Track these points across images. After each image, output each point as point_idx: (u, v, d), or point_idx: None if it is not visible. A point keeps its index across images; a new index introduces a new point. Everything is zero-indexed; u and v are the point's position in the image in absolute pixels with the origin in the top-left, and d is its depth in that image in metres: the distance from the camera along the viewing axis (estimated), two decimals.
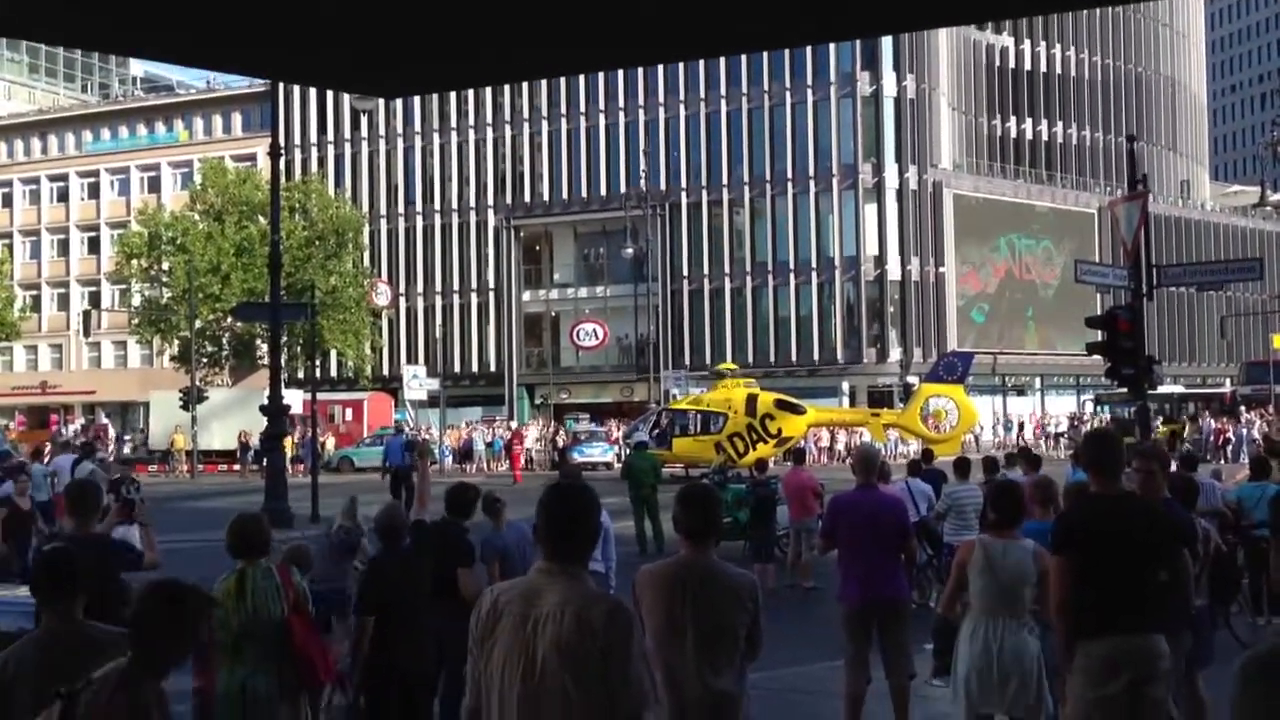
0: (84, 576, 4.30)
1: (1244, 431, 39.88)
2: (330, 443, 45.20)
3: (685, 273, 56.37)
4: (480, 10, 2.72)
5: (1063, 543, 5.21)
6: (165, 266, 54.39)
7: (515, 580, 3.66)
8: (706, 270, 56.27)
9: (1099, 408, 48.21)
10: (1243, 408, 44.09)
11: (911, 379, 47.67)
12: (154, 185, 68.50)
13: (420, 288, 61.85)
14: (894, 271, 53.86)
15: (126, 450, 45.54)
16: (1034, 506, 7.09)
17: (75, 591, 4.23)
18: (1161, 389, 37.91)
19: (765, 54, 52.12)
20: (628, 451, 30.58)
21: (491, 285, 60.12)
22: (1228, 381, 58.02)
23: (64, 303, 70.36)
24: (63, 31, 3.55)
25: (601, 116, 58.30)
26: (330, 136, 63.94)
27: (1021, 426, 49.14)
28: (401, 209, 62.63)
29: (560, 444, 42.66)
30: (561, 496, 3.59)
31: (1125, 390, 19.91)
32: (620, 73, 53.92)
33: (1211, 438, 40.60)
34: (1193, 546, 6.20)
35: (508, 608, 3.43)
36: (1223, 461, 33.20)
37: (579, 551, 3.50)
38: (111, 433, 54.20)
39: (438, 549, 7.21)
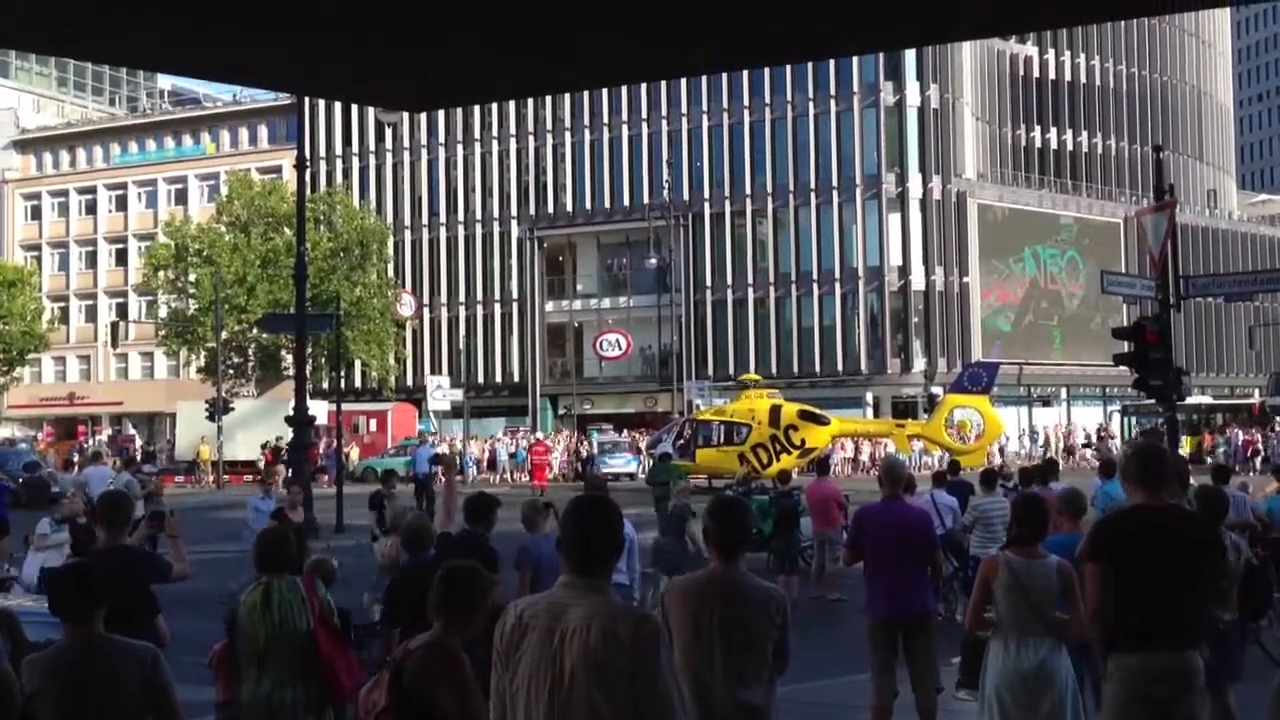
0: (104, 589, 4.32)
1: (1275, 443, 39.51)
2: (355, 453, 45.41)
3: (708, 283, 56.35)
4: (506, 26, 2.73)
5: (1098, 550, 5.11)
6: (192, 278, 54.76)
7: (538, 595, 3.66)
8: (730, 280, 56.22)
9: (1126, 419, 47.84)
10: (1278, 419, 43.60)
11: (936, 389, 47.44)
12: (181, 197, 69.02)
13: (444, 299, 62.05)
14: (918, 282, 53.67)
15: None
16: (1062, 520, 7.01)
17: (96, 605, 4.25)
18: (1189, 400, 37.62)
19: (789, 65, 52.09)
20: (651, 462, 30.60)
21: (515, 296, 60.26)
22: (1256, 392, 57.48)
23: (92, 314, 70.92)
24: (92, 49, 3.58)
25: (624, 127, 58.41)
26: (355, 149, 64.30)
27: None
28: (425, 220, 62.89)
29: (584, 455, 42.72)
30: (585, 509, 3.58)
31: (1153, 401, 19.78)
32: (643, 84, 54.03)
33: (1240, 449, 40.23)
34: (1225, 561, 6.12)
35: (533, 622, 3.42)
36: (1252, 473, 32.89)
37: (602, 564, 3.48)
38: (138, 442, 54.62)
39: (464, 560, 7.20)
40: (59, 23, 2.68)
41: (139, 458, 23.33)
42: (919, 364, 53.27)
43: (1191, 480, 12.76)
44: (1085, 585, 5.19)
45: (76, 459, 27.10)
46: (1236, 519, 10.20)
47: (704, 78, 54.14)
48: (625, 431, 48.40)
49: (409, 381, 59.58)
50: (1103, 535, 5.19)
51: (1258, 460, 38.79)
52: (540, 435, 48.01)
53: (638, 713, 3.31)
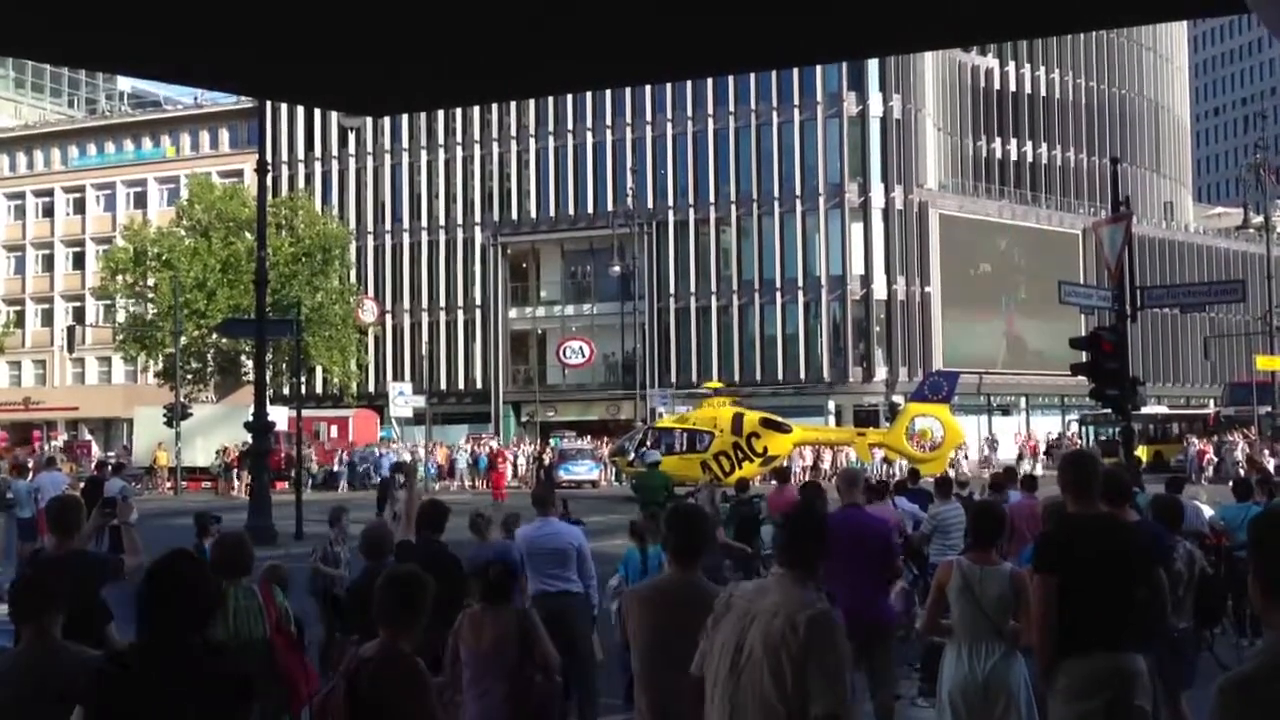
0: (60, 596, 4.27)
1: (1226, 452, 40.04)
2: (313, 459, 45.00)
3: (672, 291, 56.42)
4: (469, 31, 2.73)
5: (1045, 562, 5.25)
6: (151, 282, 54.19)
7: (755, 580, 4.31)
8: (693, 288, 56.33)
9: (1084, 428, 48.33)
10: (1250, 431, 44.04)
11: (897, 398, 47.72)
12: (140, 201, 68.31)
13: (407, 305, 61.76)
14: (880, 291, 54.00)
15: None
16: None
17: (51, 611, 4.20)
18: (1145, 410, 38.09)
19: (752, 73, 52.31)
20: (615, 467, 30.56)
21: (478, 302, 60.07)
22: (1211, 402, 58.29)
23: (48, 318, 70.01)
24: (51, 49, 3.55)
25: (589, 135, 58.43)
26: (318, 153, 63.90)
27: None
28: (388, 226, 62.59)
29: (546, 461, 42.59)
30: (803, 518, 4.11)
31: (1110, 411, 19.99)
32: (608, 91, 54.10)
33: (1195, 458, 40.73)
34: (1166, 566, 6.24)
35: (738, 600, 3.89)
36: (1205, 482, 33.30)
37: (809, 560, 3.89)
38: (95, 449, 53.91)
39: (426, 568, 7.16)
40: (12, 22, 2.65)
41: (110, 468, 22.90)
42: (880, 373, 53.58)
43: (1146, 489, 12.94)
44: (1034, 596, 5.32)
45: (30, 464, 26.68)
46: (1190, 527, 10.31)
47: (669, 85, 54.32)
48: (589, 438, 48.33)
49: (371, 388, 59.25)
50: (1044, 547, 5.34)
51: (1211, 469, 39.32)
52: (495, 444, 47.67)
53: (803, 697, 3.59)
